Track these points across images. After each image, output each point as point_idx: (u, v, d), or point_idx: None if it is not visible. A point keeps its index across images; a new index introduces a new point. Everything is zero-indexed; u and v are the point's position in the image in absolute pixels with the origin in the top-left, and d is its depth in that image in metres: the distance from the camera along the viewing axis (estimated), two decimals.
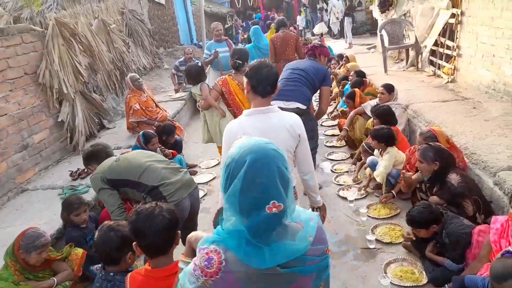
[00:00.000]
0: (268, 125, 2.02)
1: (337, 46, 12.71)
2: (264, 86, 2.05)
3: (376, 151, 4.04)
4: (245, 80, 2.12)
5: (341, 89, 6.62)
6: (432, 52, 6.35)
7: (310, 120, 3.56)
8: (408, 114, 4.80)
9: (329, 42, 13.88)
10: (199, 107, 4.54)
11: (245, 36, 15.92)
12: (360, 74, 6.05)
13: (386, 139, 3.80)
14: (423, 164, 3.01)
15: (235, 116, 3.92)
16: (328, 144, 5.52)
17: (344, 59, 7.73)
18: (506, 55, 4.30)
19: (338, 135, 5.36)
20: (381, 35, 6.95)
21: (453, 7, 5.45)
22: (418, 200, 3.25)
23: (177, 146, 5.02)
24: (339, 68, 7.92)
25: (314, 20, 16.62)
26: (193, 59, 8.16)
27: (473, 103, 4.68)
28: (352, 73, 6.30)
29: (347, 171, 4.62)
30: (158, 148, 4.36)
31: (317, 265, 1.09)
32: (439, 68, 6.13)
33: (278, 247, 1.01)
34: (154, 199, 2.28)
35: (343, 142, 5.32)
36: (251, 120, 2.05)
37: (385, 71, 6.97)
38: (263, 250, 1.00)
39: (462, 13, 5.27)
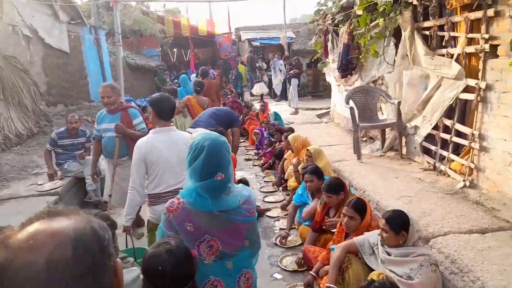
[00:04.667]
0: (170, 140, 2.70)
1: (281, 111, 10.87)
2: (165, 112, 2.77)
3: None
4: (150, 108, 2.83)
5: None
6: (427, 136, 4.44)
7: None
8: (440, 272, 2.56)
9: (271, 106, 12.07)
10: None
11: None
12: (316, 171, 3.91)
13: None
14: None
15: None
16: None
17: (283, 140, 5.63)
18: None
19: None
20: (351, 108, 4.98)
21: (469, 76, 3.63)
22: None
23: None
24: (285, 151, 5.80)
25: (253, 79, 14.97)
26: (81, 129, 5.52)
27: None
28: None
29: None
30: None
31: (247, 218, 1.81)
32: (441, 161, 4.19)
33: (218, 200, 1.74)
34: None
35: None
36: (157, 136, 2.71)
37: (359, 157, 4.94)
38: (208, 201, 1.72)
39: (488, 87, 3.41)
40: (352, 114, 4.92)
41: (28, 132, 7.23)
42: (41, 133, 7.59)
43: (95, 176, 4.55)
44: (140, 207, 3.11)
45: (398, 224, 2.46)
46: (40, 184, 5.10)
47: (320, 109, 12.00)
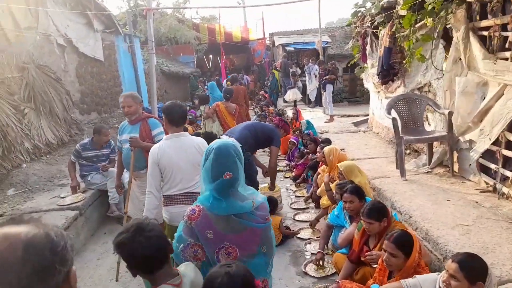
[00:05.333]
0: (180, 145, 2.81)
1: (315, 119, 10.36)
2: (176, 119, 2.87)
3: None
4: (163, 115, 2.94)
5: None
6: (485, 152, 3.83)
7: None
8: None
9: (305, 112, 11.59)
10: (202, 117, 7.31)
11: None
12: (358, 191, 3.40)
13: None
14: None
15: (223, 127, 6.98)
16: None
17: (319, 151, 5.09)
18: None
19: None
20: (394, 119, 4.43)
21: None
22: None
23: None
24: (320, 163, 5.32)
25: (286, 85, 14.55)
26: (111, 141, 5.35)
27: None
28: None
29: None
30: None
31: (260, 224, 1.88)
32: (503, 181, 3.58)
33: (231, 202, 1.82)
34: None
35: None
36: (169, 142, 2.84)
37: (402, 174, 4.38)
38: (222, 202, 1.80)
39: None
40: (395, 125, 4.38)
41: (59, 141, 7.20)
42: (72, 142, 7.55)
43: (119, 188, 4.33)
44: None
45: (476, 272, 1.94)
46: (63, 197, 4.95)
47: (357, 116, 11.38)
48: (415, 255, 2.40)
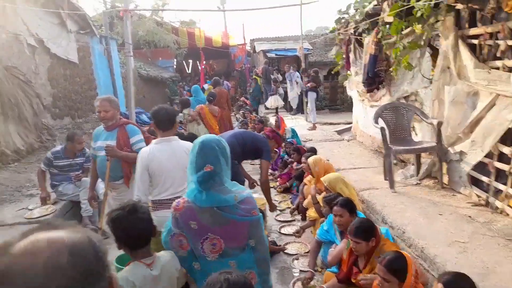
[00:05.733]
0: (170, 148, 2.79)
1: (297, 126, 10.23)
2: (164, 123, 2.84)
3: None
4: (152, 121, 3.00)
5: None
6: (476, 164, 3.73)
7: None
8: None
9: (287, 119, 11.46)
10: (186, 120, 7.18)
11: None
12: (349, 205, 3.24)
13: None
14: None
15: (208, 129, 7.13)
16: None
17: (304, 162, 4.92)
18: None
19: None
20: (382, 129, 4.30)
21: None
22: None
23: None
24: (305, 173, 5.15)
25: (268, 91, 14.41)
26: (86, 149, 4.99)
27: None
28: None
29: None
30: None
31: (244, 218, 1.88)
32: (496, 195, 3.48)
33: (212, 195, 1.86)
34: None
35: None
36: (158, 146, 2.79)
37: (391, 186, 4.25)
38: (203, 194, 1.86)
39: None
40: (384, 135, 4.25)
41: (28, 147, 6.76)
42: (43, 148, 7.12)
43: (93, 200, 4.00)
44: None
45: None
46: (31, 209, 4.57)
47: (339, 124, 11.32)
48: (410, 280, 2.23)
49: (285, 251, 4.09)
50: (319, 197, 4.10)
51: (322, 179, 4.01)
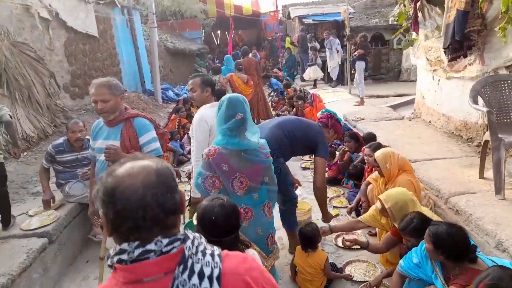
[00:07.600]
0: None
1: (340, 102, 8.93)
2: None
3: None
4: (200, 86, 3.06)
5: None
6: None
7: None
8: None
9: (327, 93, 10.20)
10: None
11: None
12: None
13: None
14: None
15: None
16: None
17: (369, 154, 3.73)
18: None
19: None
20: (489, 113, 3.05)
21: None
22: None
23: None
24: (367, 167, 4.01)
25: (305, 62, 13.07)
26: (86, 140, 4.06)
27: None
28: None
29: None
30: None
31: (264, 159, 2.35)
32: None
33: (242, 140, 2.27)
34: None
35: None
36: (214, 109, 2.67)
37: (498, 191, 3.05)
38: (236, 139, 2.25)
39: None
40: (491, 121, 3.02)
41: (40, 133, 5.99)
42: (57, 134, 6.34)
43: (95, 217, 3.10)
44: None
45: None
46: (31, 216, 3.75)
47: (387, 96, 9.89)
48: None
49: (352, 278, 3.05)
50: (397, 225, 2.92)
51: (382, 199, 2.82)
